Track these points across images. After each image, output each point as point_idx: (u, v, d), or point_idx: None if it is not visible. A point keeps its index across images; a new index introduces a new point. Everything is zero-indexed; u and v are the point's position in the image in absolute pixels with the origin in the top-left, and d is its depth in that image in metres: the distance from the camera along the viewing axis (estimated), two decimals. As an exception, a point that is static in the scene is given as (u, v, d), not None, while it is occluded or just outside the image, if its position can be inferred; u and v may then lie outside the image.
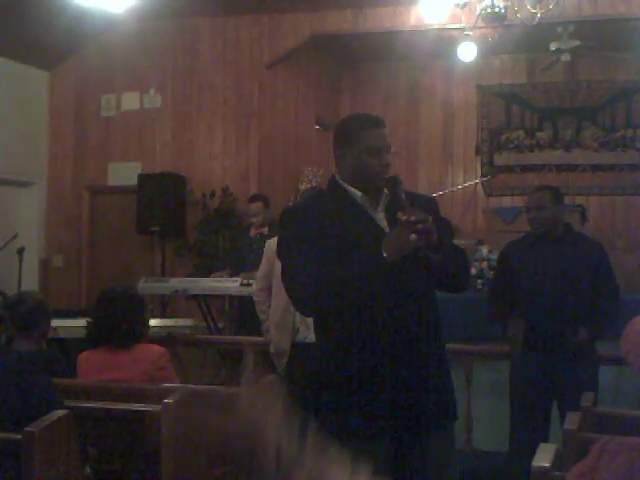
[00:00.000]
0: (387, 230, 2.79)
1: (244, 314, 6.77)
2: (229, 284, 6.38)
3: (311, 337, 3.50)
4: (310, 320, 3.49)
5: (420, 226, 2.60)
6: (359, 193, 2.89)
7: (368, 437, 2.69)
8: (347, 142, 2.93)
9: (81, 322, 6.24)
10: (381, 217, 2.87)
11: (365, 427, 2.71)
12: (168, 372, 3.78)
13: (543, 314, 4.22)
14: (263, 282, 4.91)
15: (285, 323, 4.64)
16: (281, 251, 2.97)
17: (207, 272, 7.79)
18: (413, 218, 2.62)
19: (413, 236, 2.60)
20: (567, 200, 9.32)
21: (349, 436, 2.58)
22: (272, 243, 4.50)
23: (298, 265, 2.77)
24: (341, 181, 2.93)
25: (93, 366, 3.71)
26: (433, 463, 2.80)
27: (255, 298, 5.13)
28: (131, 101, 9.11)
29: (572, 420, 2.91)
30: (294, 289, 2.82)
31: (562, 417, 4.23)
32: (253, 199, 7.01)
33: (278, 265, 3.13)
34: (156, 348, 3.79)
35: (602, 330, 4.24)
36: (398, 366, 2.72)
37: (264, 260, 4.89)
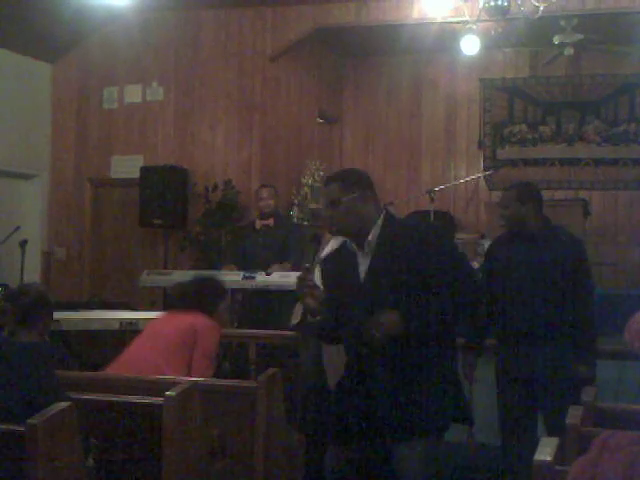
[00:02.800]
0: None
1: (247, 307, 6.79)
2: (231, 277, 6.38)
3: None
4: None
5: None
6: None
7: (340, 443, 3.17)
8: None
9: (83, 314, 6.29)
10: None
11: (337, 434, 3.18)
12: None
13: (516, 312, 4.23)
14: None
15: None
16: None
17: (208, 265, 7.80)
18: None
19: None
20: (570, 194, 9.43)
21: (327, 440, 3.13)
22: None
23: None
24: None
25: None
26: (400, 471, 3.09)
27: None
28: (134, 94, 9.11)
29: (573, 414, 2.92)
30: None
31: (545, 415, 4.25)
32: (265, 185, 7.04)
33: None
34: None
35: (594, 349, 4.23)
36: (366, 386, 3.08)
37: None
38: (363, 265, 3.09)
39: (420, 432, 3.06)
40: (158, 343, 4.06)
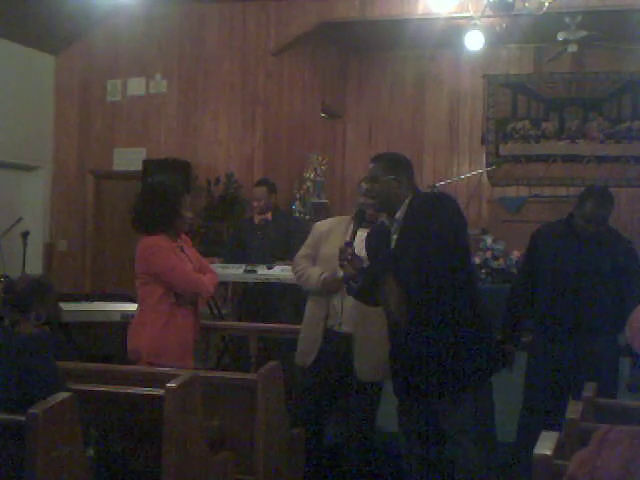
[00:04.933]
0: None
1: (248, 300, 6.78)
2: (233, 270, 6.38)
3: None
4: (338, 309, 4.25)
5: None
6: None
7: (399, 395, 3.60)
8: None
9: (84, 306, 6.29)
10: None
11: (398, 391, 3.59)
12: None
13: (566, 304, 4.22)
14: (305, 262, 4.48)
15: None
16: None
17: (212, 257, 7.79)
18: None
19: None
20: (572, 191, 9.43)
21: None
22: (319, 226, 4.49)
23: None
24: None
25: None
26: (448, 421, 3.47)
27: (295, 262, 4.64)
28: (137, 86, 9.11)
29: (574, 409, 2.92)
30: None
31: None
32: (257, 184, 7.01)
33: (323, 249, 4.19)
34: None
35: None
36: (411, 352, 3.44)
37: (309, 241, 4.52)
38: (393, 240, 3.45)
39: (458, 388, 3.41)
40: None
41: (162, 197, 4.41)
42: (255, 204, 6.84)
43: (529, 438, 4.17)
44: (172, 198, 4.42)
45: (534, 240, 4.50)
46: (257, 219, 6.86)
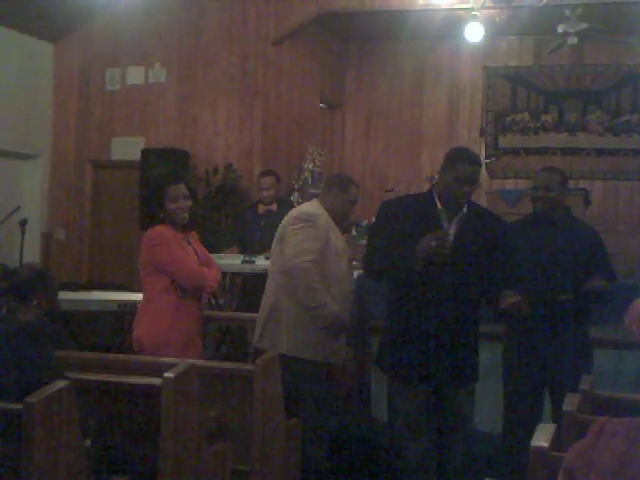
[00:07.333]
0: (451, 239, 3.73)
1: (246, 291, 6.78)
2: (231, 260, 6.38)
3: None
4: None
5: (435, 242, 3.60)
6: (440, 207, 3.81)
7: (416, 384, 3.83)
8: (446, 166, 3.80)
9: (83, 295, 6.29)
10: (452, 228, 3.79)
11: (414, 377, 3.83)
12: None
13: (537, 295, 4.22)
14: (320, 279, 4.24)
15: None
16: (370, 231, 4.27)
17: (210, 249, 7.78)
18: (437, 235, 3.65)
19: (433, 243, 3.59)
20: (571, 184, 9.39)
21: (405, 382, 3.84)
22: (320, 217, 4.33)
23: (373, 245, 3.92)
24: (434, 192, 3.88)
25: None
26: (459, 410, 3.89)
27: (307, 269, 4.26)
28: (136, 75, 9.09)
29: (571, 402, 2.93)
30: (365, 261, 4.07)
31: (554, 402, 4.27)
32: (266, 173, 7.02)
33: (332, 242, 4.26)
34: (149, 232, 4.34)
35: (609, 285, 4.24)
36: (437, 341, 3.78)
37: (315, 234, 4.28)
38: (451, 229, 3.79)
39: (473, 378, 3.95)
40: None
41: (146, 191, 4.39)
42: (265, 194, 6.83)
43: (514, 429, 4.25)
44: (153, 191, 4.38)
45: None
46: (261, 209, 6.86)
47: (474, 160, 3.84)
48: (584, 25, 8.19)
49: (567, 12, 8.11)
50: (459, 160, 3.76)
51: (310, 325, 4.24)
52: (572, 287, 4.21)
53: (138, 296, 5.95)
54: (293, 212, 4.48)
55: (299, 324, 4.27)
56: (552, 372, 4.26)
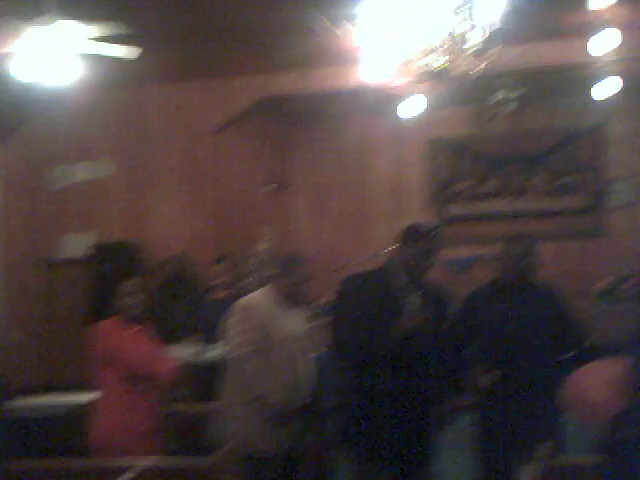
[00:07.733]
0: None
1: (205, 380, 6.66)
2: (189, 349, 6.31)
3: None
4: None
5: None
6: (401, 282, 3.94)
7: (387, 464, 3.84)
8: (404, 242, 3.93)
9: (37, 399, 6.15)
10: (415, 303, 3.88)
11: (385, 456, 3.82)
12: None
13: (507, 365, 4.21)
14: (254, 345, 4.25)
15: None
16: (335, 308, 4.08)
17: (165, 338, 7.68)
18: None
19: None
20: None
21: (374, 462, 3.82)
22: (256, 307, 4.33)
23: (343, 322, 3.92)
24: (392, 266, 3.96)
25: None
26: None
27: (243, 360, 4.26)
28: (84, 170, 9.09)
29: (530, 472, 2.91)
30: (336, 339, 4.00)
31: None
32: (219, 260, 7.00)
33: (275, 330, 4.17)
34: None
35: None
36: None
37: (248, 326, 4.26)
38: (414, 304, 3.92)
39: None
40: None
41: (98, 286, 4.49)
42: (218, 281, 6.80)
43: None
44: (105, 286, 4.45)
45: (470, 307, 4.49)
46: (221, 294, 6.81)
47: (433, 234, 3.94)
48: (522, 91, 8.41)
49: (504, 79, 8.33)
50: (416, 237, 3.87)
51: (253, 415, 4.17)
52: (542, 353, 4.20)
53: (93, 395, 5.83)
54: (236, 302, 4.45)
55: (243, 415, 4.20)
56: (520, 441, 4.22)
